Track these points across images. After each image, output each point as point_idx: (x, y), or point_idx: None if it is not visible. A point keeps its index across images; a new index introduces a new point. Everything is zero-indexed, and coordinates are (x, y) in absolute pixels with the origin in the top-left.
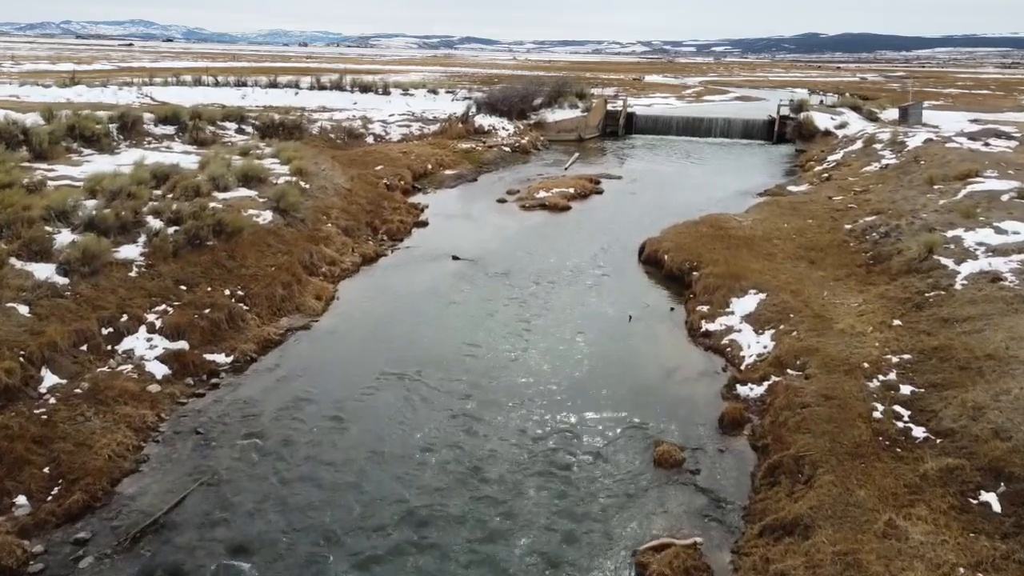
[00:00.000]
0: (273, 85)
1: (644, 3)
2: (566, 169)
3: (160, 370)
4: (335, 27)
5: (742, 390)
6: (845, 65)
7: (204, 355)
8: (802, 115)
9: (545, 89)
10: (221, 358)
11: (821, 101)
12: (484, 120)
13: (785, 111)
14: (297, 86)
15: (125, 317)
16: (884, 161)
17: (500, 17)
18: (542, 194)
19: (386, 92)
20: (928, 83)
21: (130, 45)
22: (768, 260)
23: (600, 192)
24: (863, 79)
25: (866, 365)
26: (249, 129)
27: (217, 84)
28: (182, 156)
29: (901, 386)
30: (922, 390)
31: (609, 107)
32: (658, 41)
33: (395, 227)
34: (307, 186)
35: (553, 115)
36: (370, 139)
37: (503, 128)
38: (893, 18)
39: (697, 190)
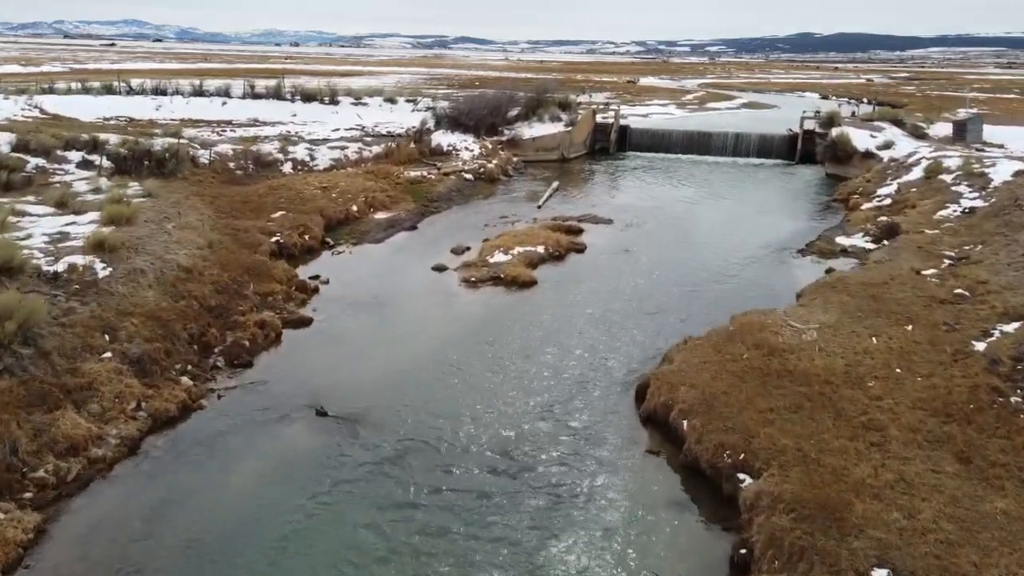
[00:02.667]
0: (199, 93)
1: (639, 3)
2: (540, 206)
3: None
4: (329, 27)
5: None
6: (843, 65)
7: None
8: (834, 131)
9: (521, 98)
10: None
11: (853, 113)
12: (444, 138)
13: (811, 124)
14: (227, 94)
15: None
16: (965, 202)
17: (495, 17)
18: (499, 257)
19: (334, 101)
20: (941, 86)
21: (112, 44)
22: (876, 448)
23: (581, 250)
24: (869, 80)
25: None
26: (103, 161)
27: (131, 92)
28: None
29: None
30: None
31: (599, 118)
32: (652, 41)
33: (247, 338)
34: (106, 272)
35: (531, 130)
36: (287, 167)
37: (467, 148)
38: (887, 18)
39: (714, 245)
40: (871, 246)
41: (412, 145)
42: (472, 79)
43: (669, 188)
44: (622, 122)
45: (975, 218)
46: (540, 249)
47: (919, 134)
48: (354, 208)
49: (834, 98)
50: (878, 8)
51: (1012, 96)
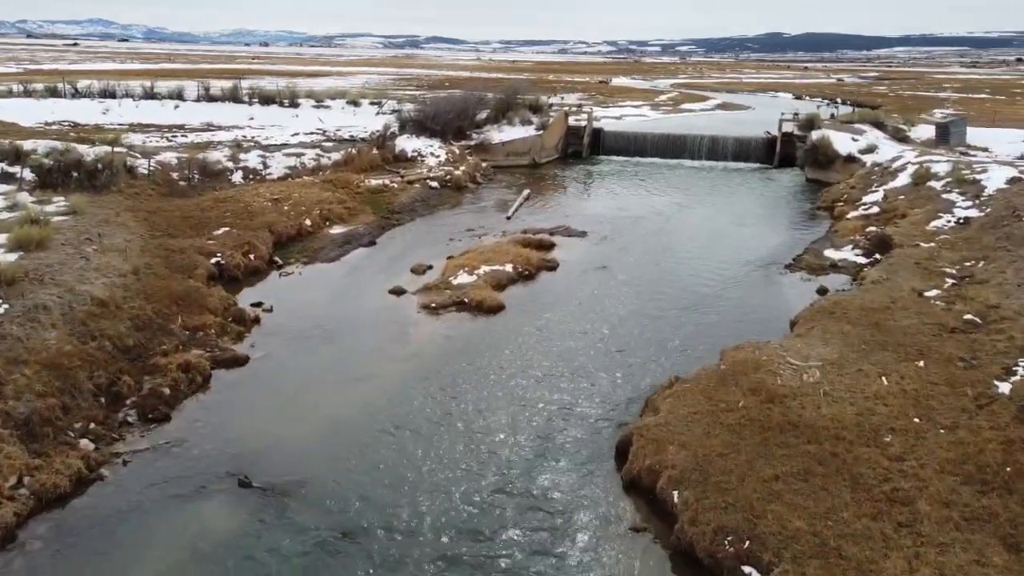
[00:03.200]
0: (150, 96)
1: (610, 3)
2: (510, 217)
3: None
4: (300, 27)
5: None
6: (812, 65)
7: None
8: (815, 135)
9: (491, 100)
10: None
11: (832, 115)
12: (409, 143)
13: (789, 127)
14: (181, 97)
15: None
16: (959, 212)
17: (467, 17)
18: (463, 278)
19: (294, 104)
20: (912, 86)
21: (75, 44)
22: (907, 531)
23: (553, 267)
24: (840, 80)
25: None
26: (26, 173)
27: (76, 95)
28: None
29: None
30: None
31: (571, 121)
32: (624, 41)
33: (168, 384)
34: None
35: (500, 134)
36: (237, 176)
37: (432, 154)
38: (854, 18)
39: (694, 260)
40: (862, 260)
41: (374, 151)
42: (442, 80)
43: (645, 196)
44: (595, 125)
45: (971, 230)
46: (508, 268)
47: (901, 137)
48: (307, 222)
49: (808, 98)
50: (845, 8)
51: (984, 96)
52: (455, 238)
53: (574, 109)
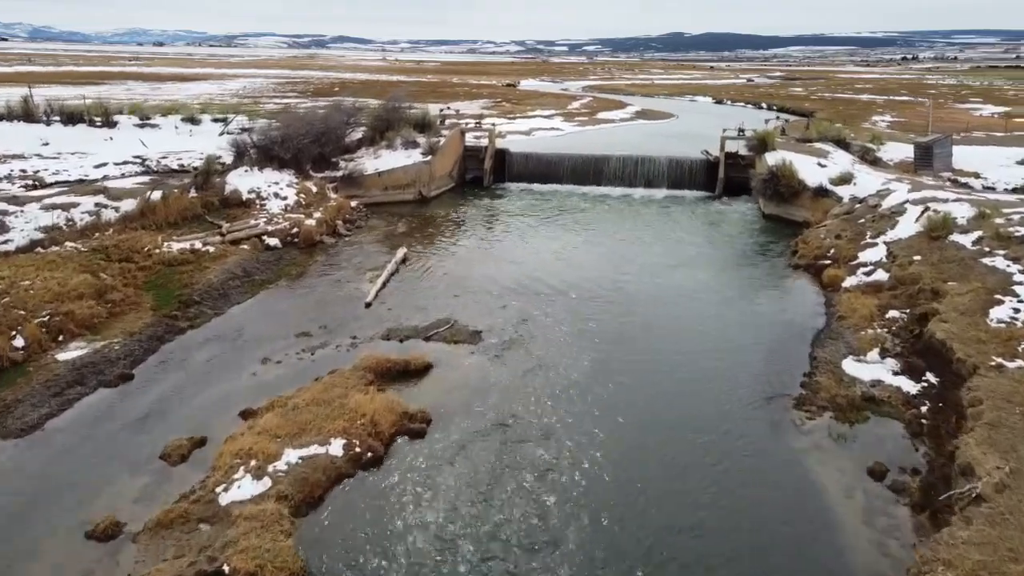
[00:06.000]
0: None
1: (518, 2)
2: (370, 303)
3: None
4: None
5: None
6: (717, 64)
7: None
8: (771, 158)
9: (364, 116)
10: None
11: (783, 130)
12: (247, 179)
13: (733, 146)
14: None
15: None
16: (1019, 286)
17: (377, 16)
18: (244, 484)
19: (109, 123)
20: (826, 86)
21: None
22: None
23: (419, 432)
24: (749, 80)
25: None
26: None
27: None
28: None
29: None
30: None
31: (470, 139)
32: (532, 41)
33: None
34: None
35: (376, 160)
36: None
37: (278, 194)
38: (749, 18)
39: (649, 394)
40: (909, 385)
41: (192, 193)
42: (333, 83)
43: (562, 249)
44: (500, 144)
45: None
46: (337, 447)
47: (871, 159)
48: (19, 341)
49: (729, 102)
50: (742, 9)
51: (906, 98)
52: (271, 357)
53: (473, 124)
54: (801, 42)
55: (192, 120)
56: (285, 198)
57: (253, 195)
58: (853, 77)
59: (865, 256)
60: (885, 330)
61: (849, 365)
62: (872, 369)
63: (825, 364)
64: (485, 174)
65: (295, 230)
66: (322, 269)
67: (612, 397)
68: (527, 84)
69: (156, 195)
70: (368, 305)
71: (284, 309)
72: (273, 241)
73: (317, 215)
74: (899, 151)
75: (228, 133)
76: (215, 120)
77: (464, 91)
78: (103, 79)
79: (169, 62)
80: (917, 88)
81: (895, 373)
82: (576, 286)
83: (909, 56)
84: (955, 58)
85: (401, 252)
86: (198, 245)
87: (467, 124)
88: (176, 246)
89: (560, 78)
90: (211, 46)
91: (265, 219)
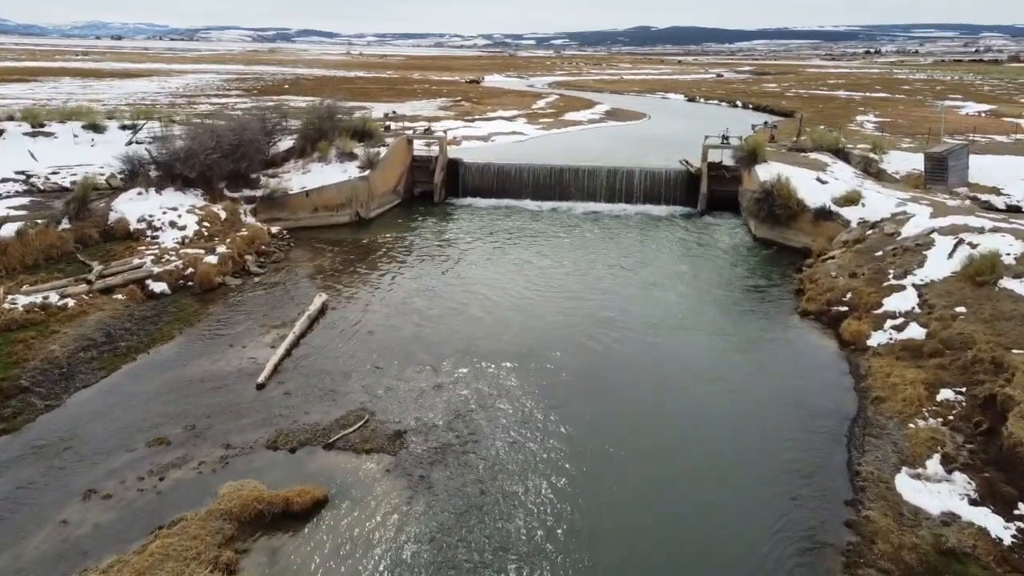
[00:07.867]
0: None
1: None
2: (262, 384)
3: None
4: (162, 19)
5: None
6: (684, 58)
7: None
8: (763, 171)
9: (292, 123)
10: None
11: (772, 137)
12: (140, 204)
13: (716, 155)
14: None
15: None
16: None
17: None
18: None
19: None
20: (798, 82)
21: None
22: None
23: None
24: (719, 75)
25: None
26: None
27: None
28: None
29: None
30: None
31: (420, 149)
32: (499, 34)
33: None
34: None
35: (305, 177)
36: None
37: (174, 222)
38: (714, 12)
39: (615, 548)
40: (992, 521)
41: (65, 224)
42: (284, 80)
43: (520, 292)
44: (453, 153)
45: None
46: None
47: (874, 171)
48: None
49: (702, 100)
50: (707, 2)
51: (883, 94)
52: (100, 487)
53: (423, 130)
54: (766, 36)
55: (95, 127)
56: (183, 228)
57: (144, 225)
58: (822, 72)
59: (892, 304)
60: (939, 420)
61: (906, 485)
62: (939, 493)
63: (874, 484)
64: (435, 189)
65: (190, 271)
66: (214, 327)
67: (582, 562)
68: (492, 80)
69: (9, 229)
70: (260, 387)
71: (144, 396)
72: (159, 287)
73: (221, 249)
74: (904, 162)
75: (137, 143)
76: (124, 127)
77: (423, 89)
78: (35, 75)
79: (120, 57)
80: (891, 84)
81: (972, 501)
82: (535, 351)
83: (872, 50)
84: (916, 52)
85: (319, 301)
86: (53, 298)
87: (415, 131)
88: (23, 301)
89: (527, 73)
90: (172, 40)
91: (154, 256)
